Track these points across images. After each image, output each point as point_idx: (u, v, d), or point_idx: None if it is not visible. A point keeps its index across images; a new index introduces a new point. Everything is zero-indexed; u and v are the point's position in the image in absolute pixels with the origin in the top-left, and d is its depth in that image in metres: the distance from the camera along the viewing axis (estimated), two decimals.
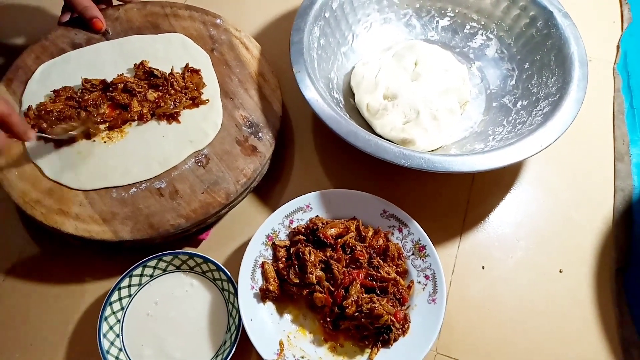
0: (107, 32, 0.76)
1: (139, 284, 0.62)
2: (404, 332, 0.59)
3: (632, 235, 0.68)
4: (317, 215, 0.65)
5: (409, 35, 0.83)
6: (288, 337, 0.59)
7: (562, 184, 0.73)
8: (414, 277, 0.62)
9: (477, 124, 0.75)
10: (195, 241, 0.68)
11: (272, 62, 0.75)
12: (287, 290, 0.61)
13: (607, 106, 0.79)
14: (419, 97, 0.72)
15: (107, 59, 0.73)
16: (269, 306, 0.61)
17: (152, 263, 0.62)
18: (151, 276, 0.63)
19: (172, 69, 0.72)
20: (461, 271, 0.66)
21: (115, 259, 0.66)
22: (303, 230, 0.64)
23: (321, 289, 0.59)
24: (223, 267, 0.61)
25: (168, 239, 0.65)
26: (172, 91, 0.70)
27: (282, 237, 0.64)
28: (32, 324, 0.63)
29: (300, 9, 0.73)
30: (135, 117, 0.69)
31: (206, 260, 0.62)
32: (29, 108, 0.68)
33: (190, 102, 0.70)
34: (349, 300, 0.58)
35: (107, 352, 0.57)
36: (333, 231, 0.62)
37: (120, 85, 0.70)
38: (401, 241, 0.64)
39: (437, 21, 0.83)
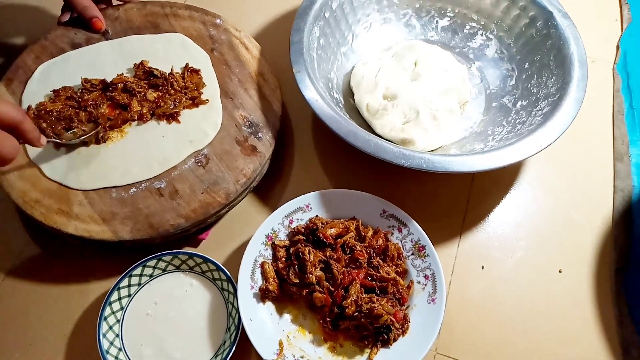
0: (106, 32, 0.76)
1: (139, 284, 0.62)
2: (404, 332, 0.59)
3: (632, 235, 0.68)
4: (317, 215, 0.65)
5: (408, 36, 0.83)
6: (288, 337, 0.59)
7: (561, 184, 0.73)
8: (413, 277, 0.62)
9: (476, 124, 0.75)
10: (195, 241, 0.68)
11: (272, 62, 0.75)
12: (286, 290, 0.61)
13: (607, 106, 0.79)
14: (419, 97, 0.72)
15: (106, 59, 0.73)
16: (269, 306, 0.61)
17: (152, 263, 0.62)
18: (151, 276, 0.63)
19: (172, 69, 0.72)
20: (461, 271, 0.66)
21: (115, 259, 0.66)
22: (303, 230, 0.64)
23: (321, 289, 0.59)
24: (223, 267, 0.61)
25: (168, 238, 0.65)
26: (172, 91, 0.70)
27: (282, 237, 0.64)
28: (31, 324, 0.63)
29: (300, 9, 0.73)
30: (135, 117, 0.69)
31: (206, 260, 0.62)
32: (29, 108, 0.68)
33: (190, 102, 0.70)
34: (349, 300, 0.58)
35: (107, 352, 0.57)
36: (333, 231, 0.62)
37: (120, 85, 0.70)
38: (401, 241, 0.64)
39: (437, 21, 0.83)
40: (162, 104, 0.69)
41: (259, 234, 0.63)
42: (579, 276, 0.66)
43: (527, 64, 0.75)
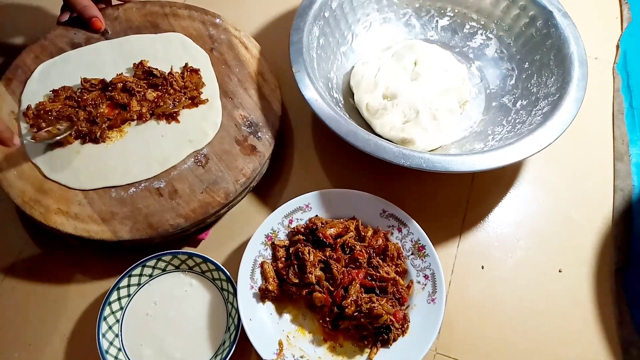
0: (106, 32, 0.76)
1: (138, 284, 0.62)
2: (404, 332, 0.58)
3: (632, 235, 0.68)
4: (317, 215, 0.65)
5: (408, 35, 0.83)
6: (287, 337, 0.59)
7: (561, 183, 0.73)
8: (413, 277, 0.62)
9: (476, 123, 0.75)
10: (195, 241, 0.68)
11: (272, 61, 0.75)
12: (286, 290, 0.61)
13: (607, 106, 0.79)
14: (419, 96, 0.72)
15: (106, 59, 0.73)
16: (268, 306, 0.61)
17: (151, 263, 0.62)
18: (150, 276, 0.63)
19: (171, 69, 0.72)
20: (461, 271, 0.66)
21: (115, 258, 0.66)
22: (302, 230, 0.64)
23: (320, 289, 0.59)
24: (222, 266, 0.61)
25: (167, 238, 0.65)
26: (172, 91, 0.70)
27: (282, 236, 0.64)
28: (31, 324, 0.63)
29: (300, 8, 0.73)
30: (135, 117, 0.68)
31: (205, 260, 0.62)
32: (28, 107, 0.68)
33: (190, 101, 0.70)
34: (348, 300, 0.58)
35: (106, 352, 0.57)
36: (332, 231, 0.62)
37: (120, 85, 0.70)
38: (400, 241, 0.64)
39: (437, 21, 0.82)
40: (161, 104, 0.69)
41: (258, 233, 0.63)
42: (579, 276, 0.66)
43: (527, 63, 0.75)
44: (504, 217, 0.70)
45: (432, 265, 0.61)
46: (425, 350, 0.57)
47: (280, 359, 0.57)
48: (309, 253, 0.60)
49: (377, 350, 0.58)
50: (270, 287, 0.60)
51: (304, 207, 0.65)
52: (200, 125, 0.68)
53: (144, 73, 0.71)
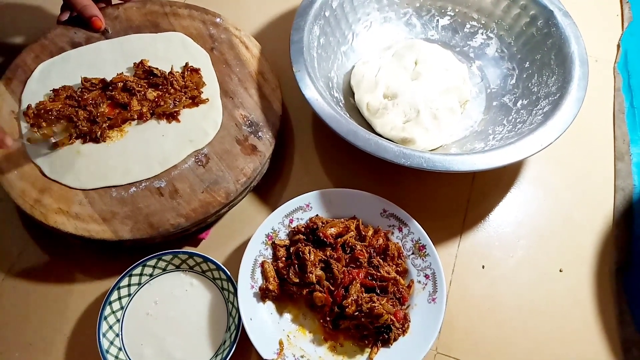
0: (106, 31, 0.76)
1: (139, 284, 0.62)
2: (404, 332, 0.58)
3: (633, 234, 0.68)
4: (317, 215, 0.65)
5: (409, 34, 0.83)
6: (288, 336, 0.59)
7: (562, 183, 0.73)
8: (414, 277, 0.62)
9: (477, 123, 0.75)
10: (195, 240, 0.68)
11: (272, 61, 0.75)
12: (286, 289, 0.61)
13: (608, 105, 0.79)
14: (419, 96, 0.72)
15: (106, 58, 0.73)
16: (269, 305, 0.61)
17: (152, 262, 0.62)
18: (151, 275, 0.63)
19: (171, 68, 0.72)
20: (461, 270, 0.66)
21: (115, 258, 0.66)
22: (303, 229, 0.64)
23: (321, 289, 0.59)
24: (223, 266, 0.61)
25: (168, 238, 0.64)
26: (172, 90, 0.70)
27: (282, 236, 0.64)
28: (31, 324, 0.63)
29: (300, 8, 0.73)
30: (135, 116, 0.68)
31: (206, 260, 0.62)
32: (29, 107, 0.68)
33: (190, 101, 0.70)
34: (349, 300, 0.58)
35: (107, 351, 0.57)
36: (333, 230, 0.62)
37: (120, 84, 0.70)
38: (401, 240, 0.64)
39: (437, 20, 0.82)
40: (162, 103, 0.69)
41: (259, 233, 0.63)
42: (579, 276, 0.66)
43: (527, 62, 0.75)
44: (504, 216, 0.70)
45: (432, 265, 0.61)
46: (426, 349, 0.57)
47: (281, 358, 0.57)
48: (309, 252, 0.60)
49: (378, 349, 0.58)
50: (270, 287, 0.60)
51: (305, 206, 0.65)
52: (201, 124, 0.68)
53: (145, 72, 0.71)
